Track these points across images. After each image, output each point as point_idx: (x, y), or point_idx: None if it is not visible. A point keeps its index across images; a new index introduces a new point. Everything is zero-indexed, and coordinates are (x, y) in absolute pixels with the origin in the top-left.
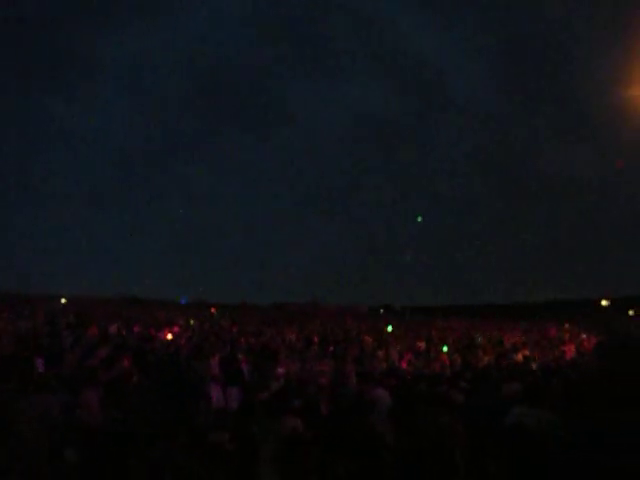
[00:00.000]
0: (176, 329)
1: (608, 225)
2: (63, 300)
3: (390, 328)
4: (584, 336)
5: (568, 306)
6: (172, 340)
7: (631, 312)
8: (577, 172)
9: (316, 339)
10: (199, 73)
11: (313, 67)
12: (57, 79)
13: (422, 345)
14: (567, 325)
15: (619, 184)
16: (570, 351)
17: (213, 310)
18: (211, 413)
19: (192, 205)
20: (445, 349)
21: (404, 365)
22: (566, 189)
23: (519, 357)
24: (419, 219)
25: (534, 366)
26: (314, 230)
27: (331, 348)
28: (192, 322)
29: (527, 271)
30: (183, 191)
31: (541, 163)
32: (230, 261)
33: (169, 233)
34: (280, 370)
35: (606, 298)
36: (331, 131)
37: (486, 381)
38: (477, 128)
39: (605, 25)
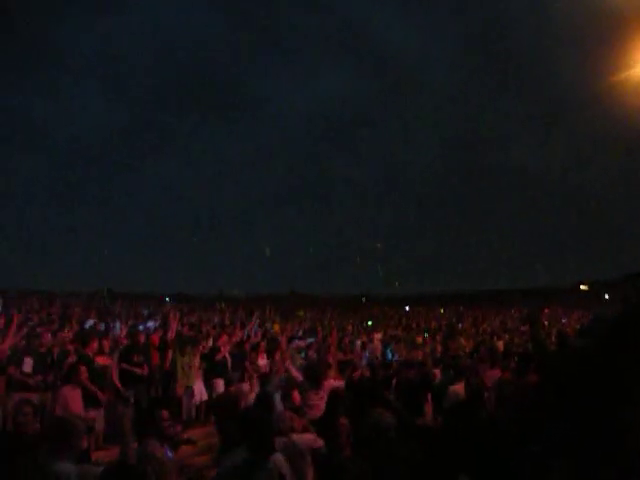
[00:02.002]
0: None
1: (584, 212)
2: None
3: (370, 323)
4: (564, 320)
5: (547, 292)
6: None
7: (607, 296)
8: (545, 160)
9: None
10: (167, 64)
11: (280, 56)
12: (20, 73)
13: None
14: (547, 310)
15: (588, 173)
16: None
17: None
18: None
19: (163, 196)
20: (425, 335)
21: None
22: (535, 177)
23: (499, 343)
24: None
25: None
26: (288, 217)
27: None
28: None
29: (507, 258)
30: (154, 183)
31: (511, 150)
32: (206, 252)
33: (142, 226)
34: (261, 362)
35: (584, 283)
36: (300, 117)
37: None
38: (447, 113)
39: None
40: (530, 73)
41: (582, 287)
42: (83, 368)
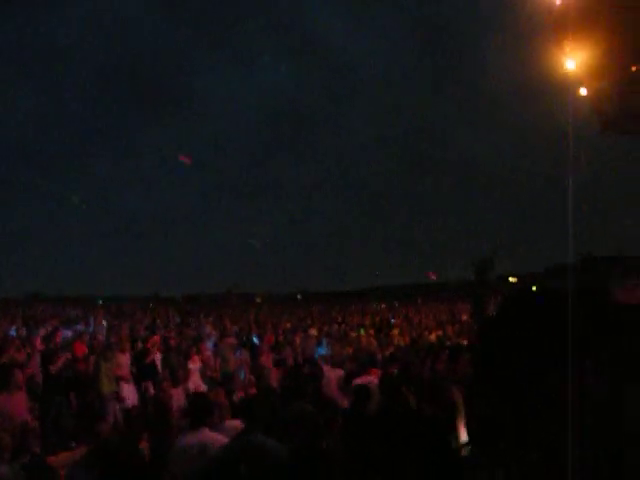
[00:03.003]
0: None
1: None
2: None
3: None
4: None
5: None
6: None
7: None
8: (487, 154)
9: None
10: (102, 60)
11: (220, 51)
12: None
13: (336, 329)
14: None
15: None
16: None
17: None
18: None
19: (99, 196)
20: (362, 332)
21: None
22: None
23: (432, 337)
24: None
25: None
26: (225, 217)
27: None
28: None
29: (433, 253)
30: (90, 182)
31: (452, 146)
32: (142, 252)
33: (77, 226)
34: (192, 365)
35: (514, 275)
36: (239, 115)
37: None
38: (388, 111)
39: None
40: (469, 64)
41: (511, 279)
42: (18, 372)
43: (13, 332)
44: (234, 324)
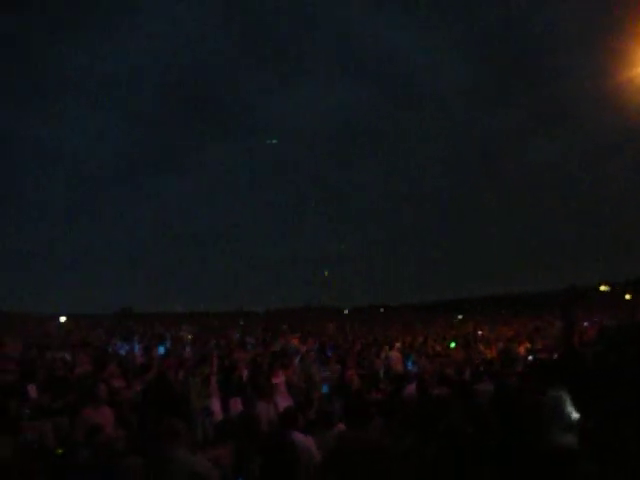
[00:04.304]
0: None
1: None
2: (63, 319)
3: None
4: (586, 324)
5: (566, 294)
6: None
7: (628, 296)
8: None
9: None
10: (170, 85)
11: (282, 67)
12: (28, 96)
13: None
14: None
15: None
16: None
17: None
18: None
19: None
20: (452, 345)
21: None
22: (546, 178)
23: (521, 350)
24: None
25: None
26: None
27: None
28: (190, 337)
29: (523, 262)
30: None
31: (524, 154)
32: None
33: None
34: (277, 380)
35: (605, 284)
36: (302, 131)
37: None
38: (450, 125)
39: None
40: (536, 74)
41: (602, 288)
42: (103, 386)
43: (133, 347)
44: (315, 339)
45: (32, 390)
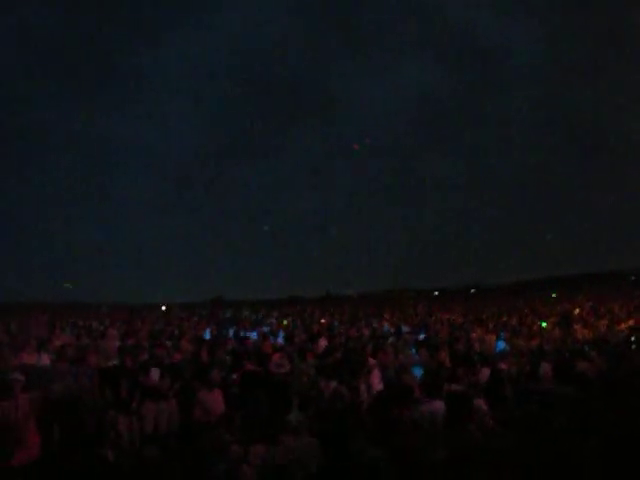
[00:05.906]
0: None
1: None
2: (164, 307)
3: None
4: None
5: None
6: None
7: None
8: None
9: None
10: (247, 71)
11: (362, 53)
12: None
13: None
14: None
15: None
16: None
17: None
18: None
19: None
20: (544, 325)
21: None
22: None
23: (622, 327)
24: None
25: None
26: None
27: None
28: (285, 322)
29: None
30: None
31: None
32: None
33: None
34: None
35: None
36: (382, 116)
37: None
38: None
39: None
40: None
41: None
42: (216, 371)
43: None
44: (405, 321)
45: (155, 373)
